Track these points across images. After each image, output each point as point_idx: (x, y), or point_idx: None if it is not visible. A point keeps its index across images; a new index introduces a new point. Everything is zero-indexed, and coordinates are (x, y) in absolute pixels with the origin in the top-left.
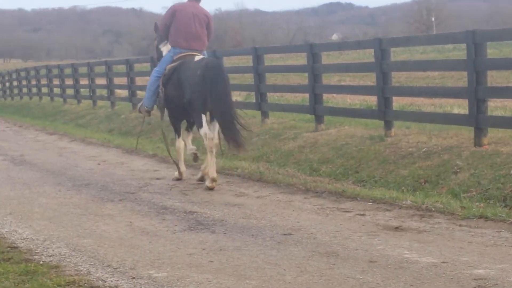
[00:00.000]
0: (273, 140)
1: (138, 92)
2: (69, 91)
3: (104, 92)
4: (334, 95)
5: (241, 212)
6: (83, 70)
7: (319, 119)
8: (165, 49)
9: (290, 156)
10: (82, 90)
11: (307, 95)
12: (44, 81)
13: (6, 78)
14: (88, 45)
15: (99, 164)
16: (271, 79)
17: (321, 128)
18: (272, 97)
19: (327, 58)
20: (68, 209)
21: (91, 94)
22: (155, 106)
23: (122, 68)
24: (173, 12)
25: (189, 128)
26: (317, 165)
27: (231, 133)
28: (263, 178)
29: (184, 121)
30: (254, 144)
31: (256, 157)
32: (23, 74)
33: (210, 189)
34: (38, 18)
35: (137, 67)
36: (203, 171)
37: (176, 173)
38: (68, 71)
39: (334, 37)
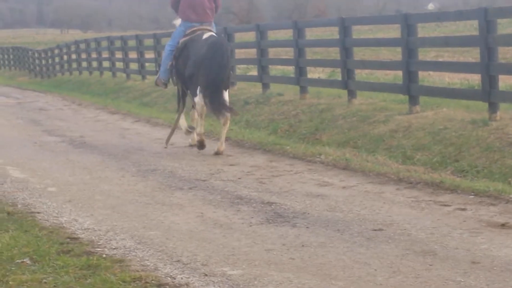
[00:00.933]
0: (361, 123)
1: None
2: (133, 66)
3: None
4: (431, 72)
5: (325, 204)
6: (148, 42)
7: (413, 100)
8: (177, 23)
9: (380, 141)
10: (147, 64)
11: (399, 73)
12: (105, 54)
13: (64, 50)
14: (154, 13)
15: (166, 147)
16: (358, 54)
17: (415, 110)
18: (360, 74)
19: (421, 31)
20: (133, 197)
21: (157, 69)
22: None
23: None
24: None
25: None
26: (411, 152)
27: (217, 106)
28: (349, 166)
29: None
30: (340, 127)
31: (342, 142)
32: (82, 46)
33: (192, 145)
34: None
35: None
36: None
37: (191, 138)
38: (132, 43)
39: (430, 6)
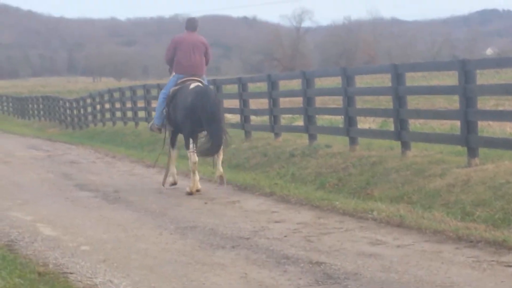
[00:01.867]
0: (415, 177)
1: (252, 117)
2: None
3: None
4: (491, 122)
5: (378, 264)
6: None
7: (472, 152)
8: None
9: (437, 196)
10: None
11: (457, 123)
12: (141, 104)
13: (97, 100)
14: None
15: (206, 203)
16: (412, 102)
17: (474, 163)
18: (414, 124)
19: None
20: (171, 256)
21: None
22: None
23: (232, 88)
24: (175, 45)
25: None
26: (471, 208)
27: (217, 148)
28: (404, 223)
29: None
30: (393, 181)
31: (395, 197)
32: (116, 95)
33: (190, 193)
34: (133, 29)
35: (251, 87)
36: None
37: (170, 179)
38: None
39: (489, 51)
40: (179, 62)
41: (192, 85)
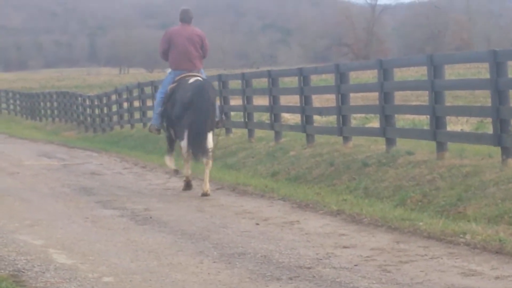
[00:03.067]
0: None
1: (316, 118)
2: None
3: (265, 116)
4: None
5: None
6: (234, 84)
7: None
8: (168, 71)
9: None
10: (232, 114)
11: None
12: None
13: (124, 96)
14: (241, 46)
15: (257, 224)
16: None
17: None
18: None
19: None
20: None
21: (246, 120)
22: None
23: (291, 81)
24: (169, 38)
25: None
26: None
27: (199, 147)
28: (504, 249)
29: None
30: (491, 197)
31: (494, 217)
32: (147, 90)
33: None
34: (169, 9)
35: (314, 79)
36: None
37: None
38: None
39: None
40: (175, 58)
41: (191, 80)
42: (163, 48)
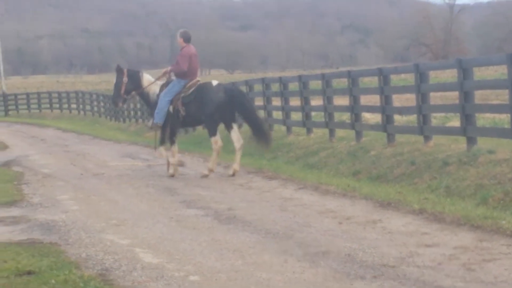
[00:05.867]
0: None
1: (396, 117)
2: (295, 116)
3: (346, 116)
4: None
5: None
6: (314, 84)
7: None
8: (161, 82)
9: None
10: (313, 114)
11: None
12: (259, 101)
13: None
14: (321, 48)
15: (340, 223)
16: None
17: None
18: None
19: None
20: None
21: (327, 120)
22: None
23: (371, 81)
24: (189, 57)
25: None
26: None
27: (263, 136)
28: None
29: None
30: None
31: None
32: None
33: (206, 175)
34: (249, 10)
35: (394, 79)
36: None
37: (171, 171)
38: (293, 86)
39: None
40: (190, 72)
41: (214, 83)
42: (187, 65)
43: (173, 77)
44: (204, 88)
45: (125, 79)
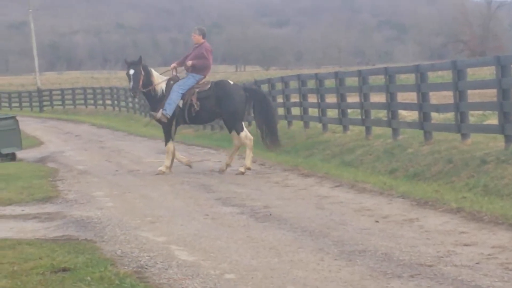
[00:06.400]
0: None
1: (433, 114)
2: (331, 113)
3: (382, 114)
4: None
5: None
6: (350, 81)
7: None
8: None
9: None
10: (349, 111)
11: None
12: (294, 98)
13: None
14: (357, 44)
15: (377, 221)
16: None
17: None
18: None
19: None
20: (336, 287)
21: (363, 117)
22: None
23: (407, 78)
24: (211, 51)
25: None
26: None
27: (275, 137)
28: None
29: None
30: None
31: None
32: (264, 87)
33: (242, 173)
34: (285, 6)
35: (431, 76)
36: (227, 163)
37: (162, 168)
38: (329, 83)
39: None
40: (208, 66)
41: (230, 81)
42: (211, 60)
43: (178, 74)
44: (224, 85)
45: (142, 72)
